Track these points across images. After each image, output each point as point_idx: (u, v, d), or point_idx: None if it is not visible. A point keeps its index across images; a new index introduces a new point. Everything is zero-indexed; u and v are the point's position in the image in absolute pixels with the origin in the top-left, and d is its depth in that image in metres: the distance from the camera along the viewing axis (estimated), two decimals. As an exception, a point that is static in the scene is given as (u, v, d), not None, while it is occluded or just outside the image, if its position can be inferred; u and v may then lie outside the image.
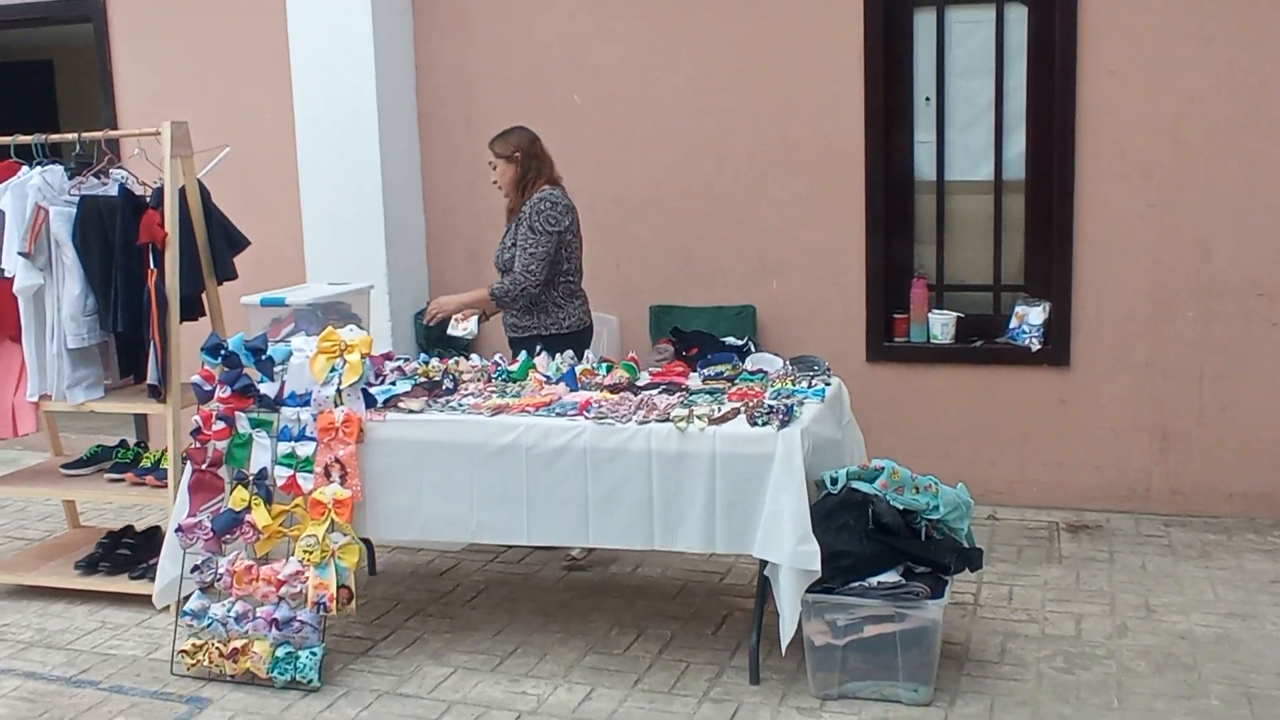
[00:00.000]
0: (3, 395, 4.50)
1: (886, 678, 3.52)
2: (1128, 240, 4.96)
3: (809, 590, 3.49)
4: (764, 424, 3.50)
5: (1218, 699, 3.50)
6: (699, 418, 3.56)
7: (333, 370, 3.85)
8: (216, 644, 3.81)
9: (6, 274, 4.30)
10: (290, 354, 3.92)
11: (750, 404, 3.64)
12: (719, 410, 3.64)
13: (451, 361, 4.33)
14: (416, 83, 5.81)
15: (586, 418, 3.65)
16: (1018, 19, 5.08)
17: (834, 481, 3.59)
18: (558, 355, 4.33)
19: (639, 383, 4.06)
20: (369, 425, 3.82)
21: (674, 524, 3.59)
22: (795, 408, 3.60)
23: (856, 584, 3.48)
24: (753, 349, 5.35)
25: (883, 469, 3.54)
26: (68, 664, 4.01)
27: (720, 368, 4.17)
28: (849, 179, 5.25)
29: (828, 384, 3.99)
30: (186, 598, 3.94)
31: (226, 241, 4.57)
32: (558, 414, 3.71)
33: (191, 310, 4.56)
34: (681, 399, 3.80)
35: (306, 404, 3.87)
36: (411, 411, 3.83)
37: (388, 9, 5.56)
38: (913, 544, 3.53)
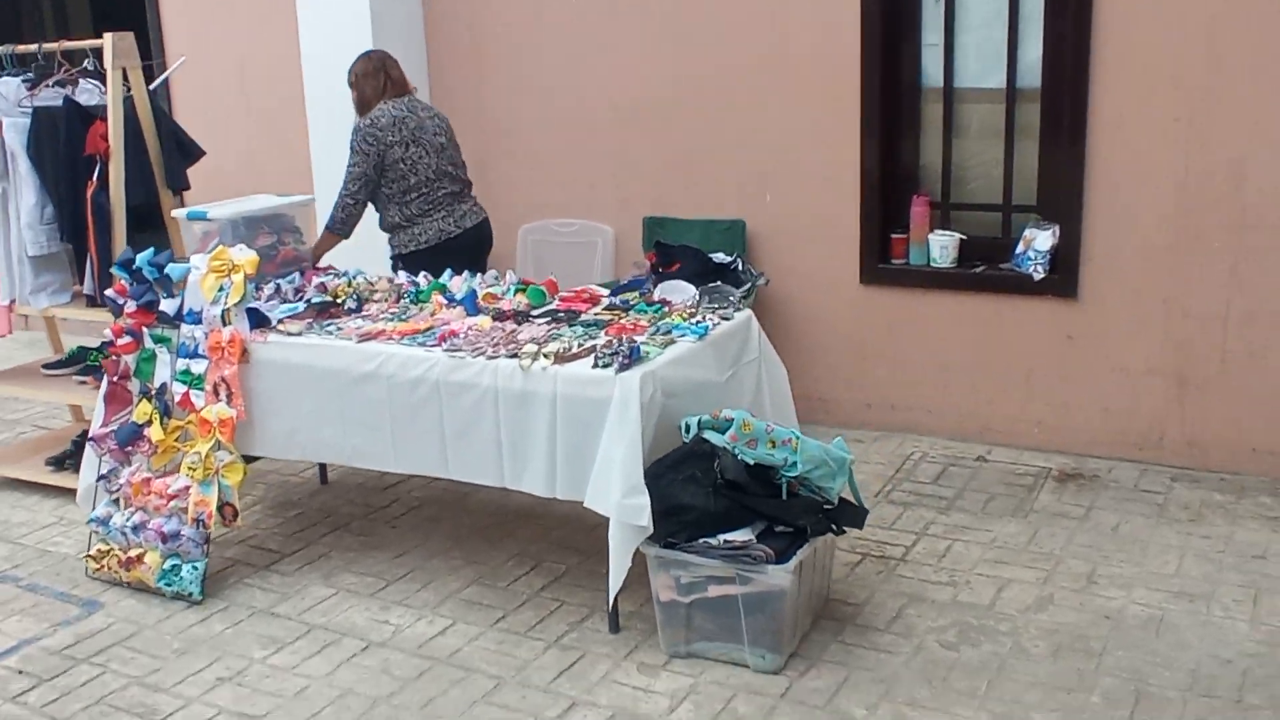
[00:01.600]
0: (-14, 298, 4.73)
1: (733, 640, 3.30)
2: (1148, 160, 4.34)
3: (654, 543, 3.29)
4: (605, 365, 3.27)
5: (1100, 695, 3.11)
6: (545, 355, 3.36)
7: (221, 289, 3.84)
8: (117, 551, 3.95)
9: (-32, 183, 4.48)
10: (189, 271, 3.93)
11: (603, 342, 3.41)
12: (578, 346, 3.43)
13: (372, 279, 4.25)
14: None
15: (442, 349, 3.52)
16: (1037, -99, 4.46)
17: (689, 429, 3.33)
18: (478, 276, 4.19)
19: (537, 309, 3.88)
20: (253, 346, 3.81)
21: (520, 464, 3.43)
22: (643, 349, 3.34)
23: (702, 540, 3.25)
24: (740, 265, 5.04)
25: (733, 419, 3.25)
26: (4, 558, 4.25)
27: (627, 295, 3.93)
28: (845, 86, 4.79)
29: (727, 318, 3.70)
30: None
31: (180, 152, 4.61)
32: (420, 343, 3.59)
33: (152, 221, 4.63)
34: (550, 332, 3.60)
35: (201, 322, 3.89)
36: (290, 334, 3.79)
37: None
38: (765, 502, 3.25)
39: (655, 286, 4.03)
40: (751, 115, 5.01)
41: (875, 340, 4.99)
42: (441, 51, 5.66)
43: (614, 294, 3.98)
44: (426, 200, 4.56)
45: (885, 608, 3.62)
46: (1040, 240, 4.58)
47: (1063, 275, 4.55)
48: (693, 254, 5.05)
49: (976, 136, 4.80)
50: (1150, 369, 4.50)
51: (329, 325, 3.84)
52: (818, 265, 5.02)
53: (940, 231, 4.81)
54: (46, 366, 4.93)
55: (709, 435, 3.27)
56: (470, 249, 4.65)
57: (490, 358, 3.42)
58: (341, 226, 4.63)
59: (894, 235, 4.88)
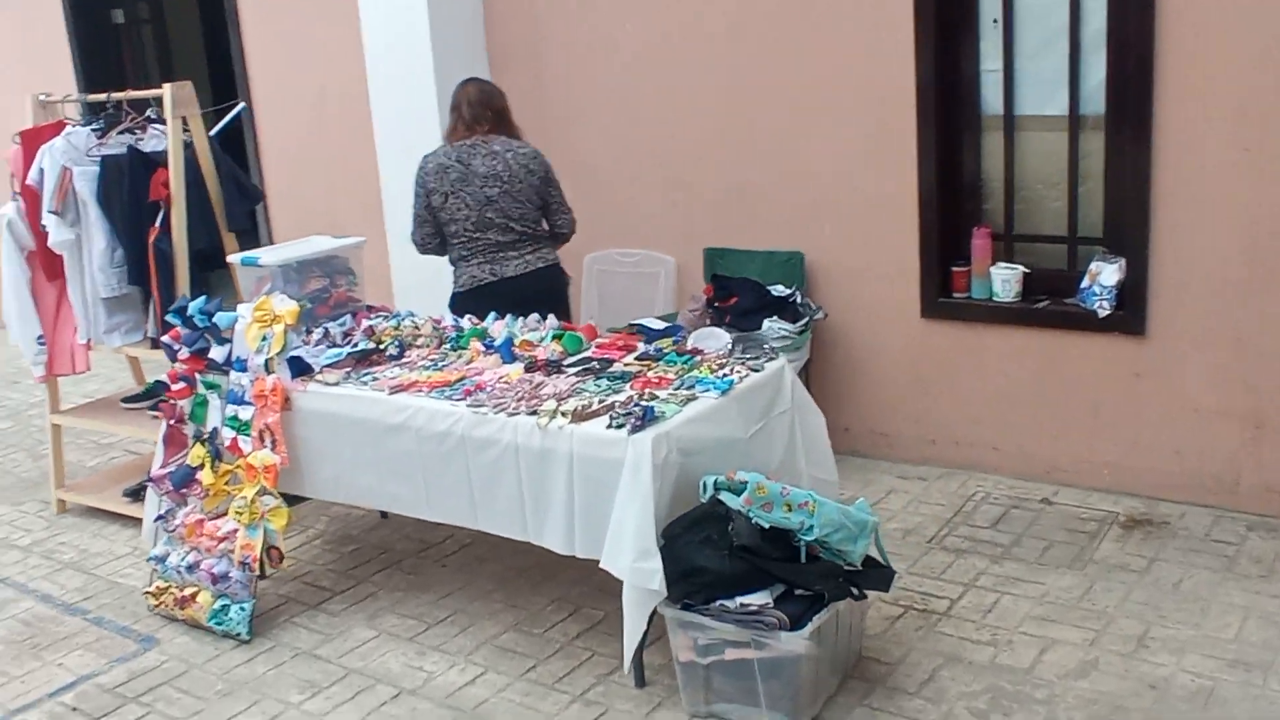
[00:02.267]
0: (65, 337, 4.94)
1: (751, 704, 3.25)
2: (1216, 192, 4.12)
3: (672, 603, 3.27)
4: (619, 426, 3.25)
5: (1130, 776, 2.98)
6: (563, 414, 3.36)
7: (264, 339, 3.94)
8: (174, 589, 4.10)
9: (46, 231, 4.69)
10: (236, 320, 4.05)
11: (623, 399, 3.39)
12: (598, 404, 3.42)
13: (419, 321, 4.30)
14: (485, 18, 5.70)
15: (465, 404, 3.55)
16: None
17: (705, 489, 3.29)
18: (519, 320, 4.21)
19: (571, 357, 3.88)
20: (295, 394, 3.90)
21: (541, 520, 3.45)
22: (659, 408, 3.31)
23: (719, 603, 3.21)
24: (799, 298, 4.96)
25: (747, 482, 3.20)
26: (79, 590, 4.45)
27: (661, 344, 3.90)
28: (901, 114, 4.66)
29: (756, 370, 3.64)
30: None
31: (239, 194, 4.74)
32: (447, 397, 3.63)
33: (218, 263, 4.79)
34: (575, 386, 3.60)
35: (247, 369, 4.00)
36: (328, 384, 3.87)
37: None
38: (781, 566, 3.19)
39: (693, 333, 3.98)
40: (808, 145, 4.92)
41: (938, 375, 4.85)
42: (504, 83, 5.68)
43: (649, 341, 3.96)
44: (465, 247, 4.50)
45: (919, 669, 3.52)
46: (1106, 275, 4.38)
47: (1129, 311, 4.35)
48: (750, 287, 4.99)
49: (1039, 165, 4.62)
50: (1223, 410, 4.27)
51: (366, 375, 3.90)
52: (878, 298, 4.90)
53: (1003, 264, 4.64)
54: (125, 400, 5.14)
55: (724, 497, 3.23)
56: (514, 296, 4.43)
57: (511, 414, 3.44)
58: (428, 253, 4.65)
59: (955, 268, 4.73)
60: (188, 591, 4.05)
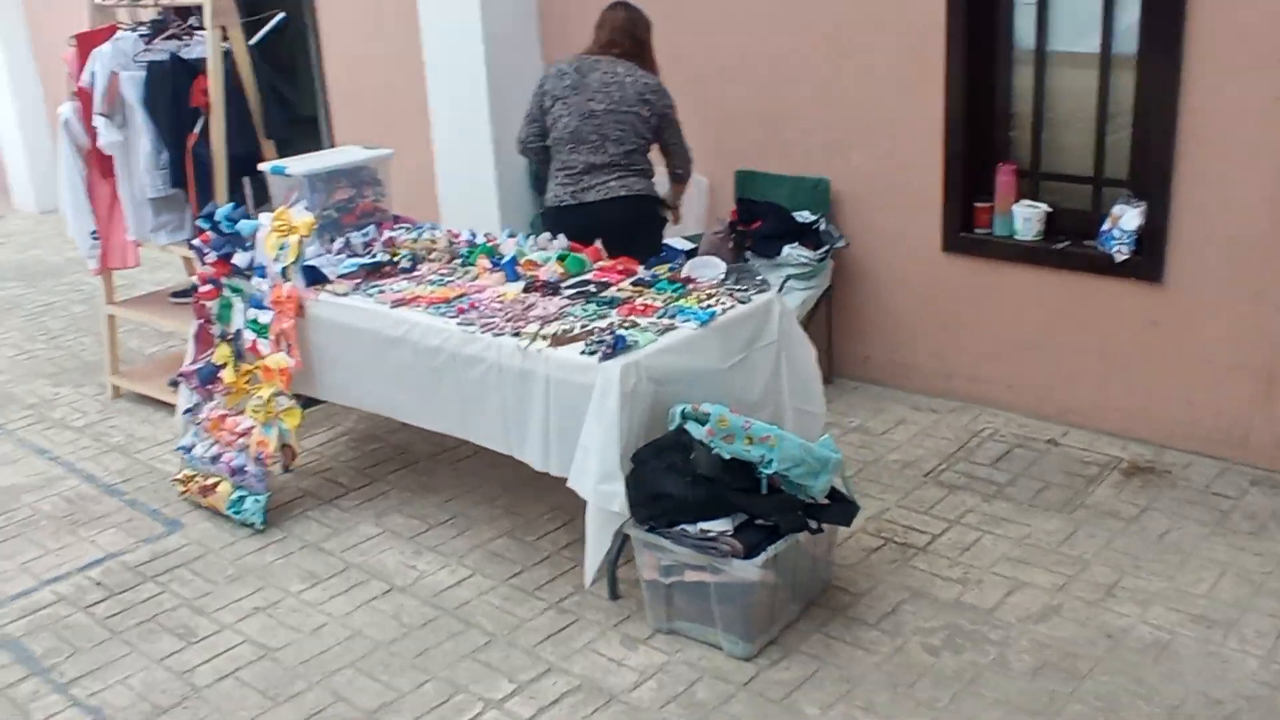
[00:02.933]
0: (118, 233, 5.20)
1: (708, 623, 3.39)
2: (1244, 141, 3.99)
3: (638, 524, 3.40)
4: (591, 353, 3.35)
5: (1064, 723, 3.05)
6: (542, 338, 3.48)
7: (281, 248, 4.12)
8: (199, 478, 4.37)
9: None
10: (257, 228, 4.22)
11: (603, 326, 3.49)
12: (580, 329, 3.53)
13: (437, 235, 4.43)
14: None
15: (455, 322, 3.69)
16: None
17: (673, 419, 3.39)
18: (532, 237, 4.32)
19: (570, 279, 3.98)
20: (308, 302, 4.09)
21: (521, 436, 3.60)
22: (631, 337, 3.40)
23: (680, 527, 3.33)
24: (822, 226, 4.97)
25: (710, 414, 3.29)
26: (120, 472, 4.76)
27: (657, 270, 3.97)
28: (930, 43, 4.58)
29: (743, 302, 3.70)
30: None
31: (278, 103, 4.89)
32: (441, 313, 3.77)
33: (255, 170, 4.96)
34: (562, 310, 3.70)
35: (266, 276, 4.19)
36: (337, 294, 4.04)
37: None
38: (739, 496, 3.29)
39: (688, 261, 4.04)
40: (841, 70, 4.87)
41: (957, 310, 4.83)
42: (553, 5, 5.73)
43: (647, 267, 4.03)
44: (558, 160, 4.52)
45: (884, 601, 3.61)
46: (1128, 219, 4.30)
47: (1148, 257, 4.27)
48: (775, 211, 5.01)
49: (1069, 103, 4.51)
50: (1237, 363, 4.20)
51: (373, 287, 4.06)
52: (900, 230, 4.88)
53: (1026, 202, 4.57)
54: (174, 295, 5.40)
55: (690, 427, 3.33)
56: (592, 222, 4.37)
57: (496, 334, 3.57)
58: (531, 164, 4.76)
59: (978, 204, 4.67)
60: (210, 481, 4.31)
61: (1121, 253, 4.29)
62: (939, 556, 3.84)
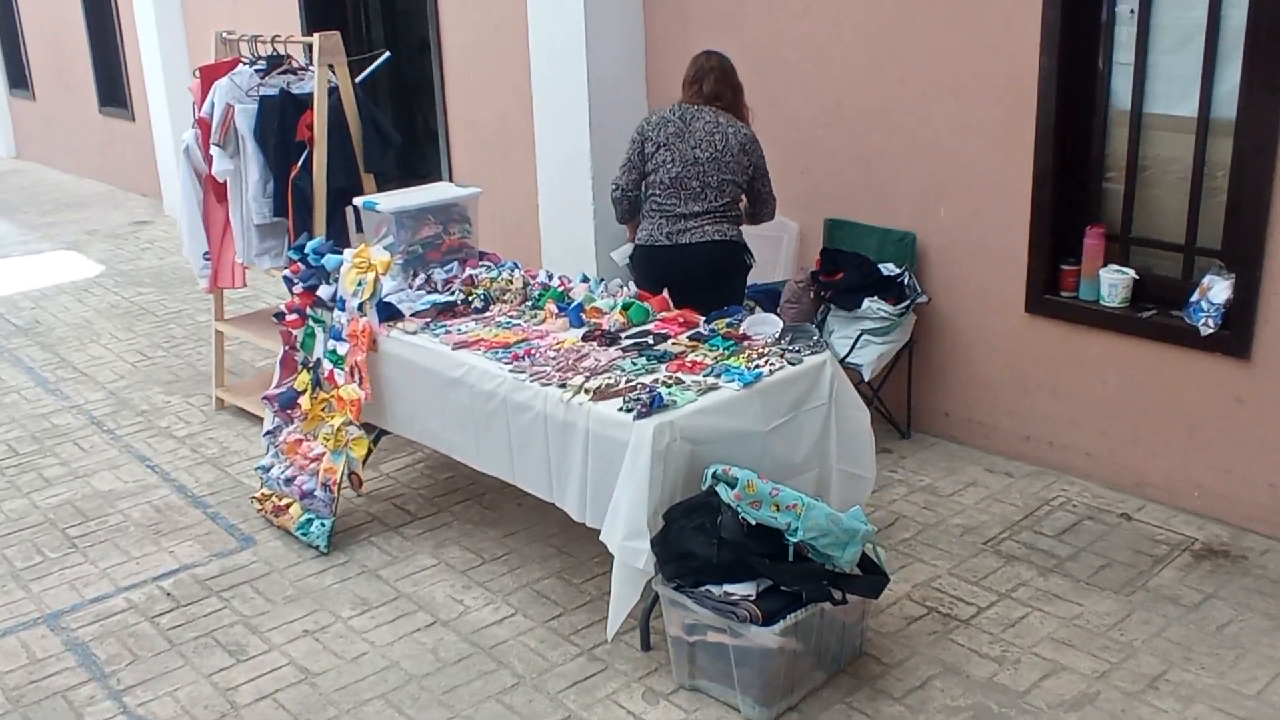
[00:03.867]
0: (228, 255, 5.49)
1: (727, 685, 3.40)
2: (1339, 214, 3.79)
3: (665, 580, 3.43)
4: (629, 410, 3.40)
5: (1075, 822, 2.95)
6: (585, 391, 3.54)
7: (359, 283, 4.29)
8: (274, 498, 4.58)
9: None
10: (341, 263, 4.41)
11: (644, 384, 3.53)
12: (624, 383, 3.58)
13: (514, 276, 4.54)
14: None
15: (508, 369, 3.79)
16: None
17: (707, 479, 3.41)
18: (604, 283, 4.39)
19: (631, 328, 4.04)
20: (380, 338, 4.25)
21: (562, 485, 3.67)
22: (669, 396, 3.43)
23: (705, 588, 3.35)
24: (906, 279, 4.91)
25: (738, 479, 3.29)
26: (209, 484, 5.03)
27: (716, 324, 3.99)
28: (1023, 101, 4.48)
29: (794, 363, 3.69)
30: (272, 453, 4.75)
31: (378, 139, 5.10)
32: (499, 358, 3.87)
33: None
34: (612, 363, 3.76)
35: (345, 309, 4.37)
36: (406, 333, 4.18)
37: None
38: (762, 562, 3.29)
39: (748, 318, 4.04)
40: (934, 123, 4.80)
41: (1038, 372, 4.71)
42: (653, 34, 5.80)
43: (707, 321, 4.06)
44: (655, 201, 4.62)
45: (914, 674, 3.55)
46: (1216, 290, 4.12)
47: (1235, 332, 4.09)
48: (858, 264, 4.97)
49: (1164, 168, 4.34)
50: (1326, 449, 3.99)
51: (440, 327, 4.19)
52: (984, 288, 4.78)
53: (1114, 267, 4.43)
54: (276, 316, 5.65)
55: (720, 489, 3.34)
56: (684, 264, 4.54)
57: (544, 384, 3.65)
58: (617, 211, 4.83)
59: (1065, 266, 4.55)
60: (284, 502, 4.52)
61: (1209, 325, 4.12)
62: (981, 631, 3.75)
